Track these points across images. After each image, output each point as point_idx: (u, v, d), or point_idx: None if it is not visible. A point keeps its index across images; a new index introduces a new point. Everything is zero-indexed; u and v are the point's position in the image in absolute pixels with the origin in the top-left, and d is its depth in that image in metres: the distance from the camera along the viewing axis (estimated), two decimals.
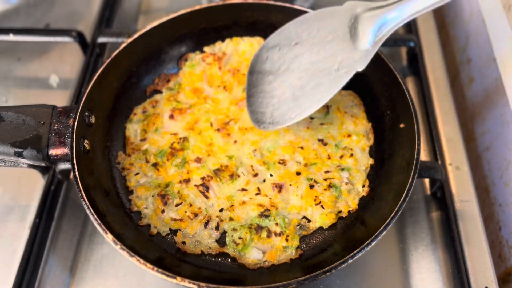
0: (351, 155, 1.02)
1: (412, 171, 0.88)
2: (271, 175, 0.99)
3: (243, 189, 0.98)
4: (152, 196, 0.97)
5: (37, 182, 1.08)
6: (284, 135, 1.04)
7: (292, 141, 1.04)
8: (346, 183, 0.98)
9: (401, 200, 0.85)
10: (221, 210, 0.96)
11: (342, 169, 1.00)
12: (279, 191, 0.97)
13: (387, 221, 0.83)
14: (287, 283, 0.77)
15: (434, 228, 1.03)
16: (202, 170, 1.00)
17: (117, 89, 1.08)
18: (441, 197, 1.05)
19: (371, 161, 1.03)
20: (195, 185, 0.98)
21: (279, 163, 1.01)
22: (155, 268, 0.78)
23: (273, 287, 0.77)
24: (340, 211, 0.96)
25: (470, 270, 0.96)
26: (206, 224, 0.94)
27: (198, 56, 1.18)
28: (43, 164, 0.94)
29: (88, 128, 0.97)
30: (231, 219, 0.94)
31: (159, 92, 1.15)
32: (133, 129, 1.08)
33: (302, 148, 1.03)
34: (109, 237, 0.80)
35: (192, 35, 1.18)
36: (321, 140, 1.04)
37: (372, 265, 0.98)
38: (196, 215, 0.95)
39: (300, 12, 1.13)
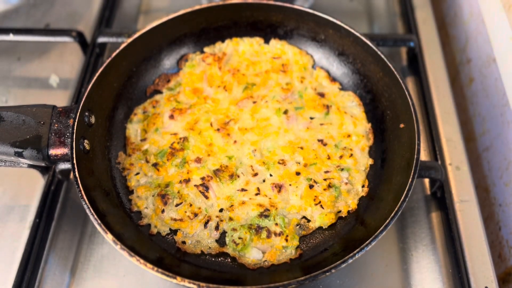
0: (351, 155, 1.02)
1: (412, 171, 0.88)
2: (270, 175, 0.99)
3: (242, 189, 0.98)
4: (152, 196, 0.97)
5: (37, 182, 1.08)
6: (284, 135, 1.04)
7: (292, 141, 1.04)
8: (346, 183, 0.98)
9: (401, 200, 0.85)
10: (221, 210, 0.96)
11: (342, 169, 1.00)
12: (279, 191, 0.97)
13: (387, 221, 0.83)
14: (287, 283, 0.77)
15: (434, 228, 1.03)
16: (202, 170, 1.00)
17: (117, 89, 1.08)
18: (441, 197, 1.05)
19: (370, 161, 1.03)
20: (195, 185, 0.98)
21: (279, 163, 1.01)
22: (155, 268, 0.78)
23: (273, 287, 0.77)
24: (340, 211, 0.96)
25: (470, 270, 0.96)
26: (206, 224, 0.94)
27: (198, 57, 1.18)
28: (43, 164, 0.94)
29: (88, 128, 0.97)
30: (230, 219, 0.94)
31: (159, 92, 1.15)
32: (133, 129, 1.08)
33: (301, 148, 1.03)
34: (109, 237, 0.81)
35: (192, 35, 1.18)
36: (320, 140, 1.04)
37: (372, 265, 0.98)
38: (196, 215, 0.95)
39: (300, 12, 1.13)
